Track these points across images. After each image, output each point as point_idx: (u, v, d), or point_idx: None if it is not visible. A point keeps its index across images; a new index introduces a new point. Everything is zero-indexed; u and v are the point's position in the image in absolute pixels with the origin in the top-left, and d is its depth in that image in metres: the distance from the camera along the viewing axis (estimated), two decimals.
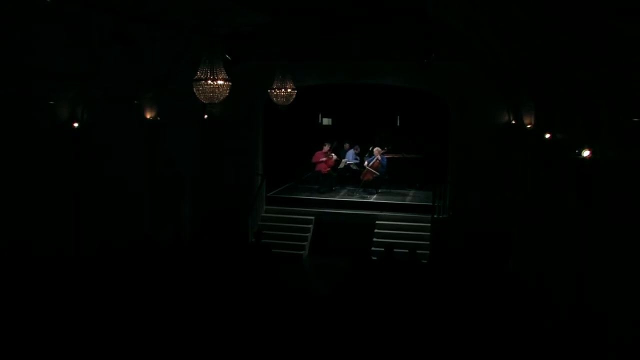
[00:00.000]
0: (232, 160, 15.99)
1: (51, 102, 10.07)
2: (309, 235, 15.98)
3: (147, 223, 12.72)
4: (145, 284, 10.13)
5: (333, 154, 18.21)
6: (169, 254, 11.85)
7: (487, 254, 13.09)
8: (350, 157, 18.73)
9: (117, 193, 11.82)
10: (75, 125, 10.53)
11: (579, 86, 7.77)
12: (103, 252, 11.03)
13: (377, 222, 15.73)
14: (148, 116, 12.85)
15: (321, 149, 18.05)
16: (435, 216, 15.12)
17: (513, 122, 13.19)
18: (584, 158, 7.85)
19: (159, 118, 12.96)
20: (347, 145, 19.08)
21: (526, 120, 11.68)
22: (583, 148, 7.86)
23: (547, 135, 9.94)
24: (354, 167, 18.56)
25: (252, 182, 16.53)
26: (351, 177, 18.66)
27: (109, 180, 11.58)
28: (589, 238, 7.92)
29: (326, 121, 22.38)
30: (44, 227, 9.92)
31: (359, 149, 19.01)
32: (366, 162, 17.96)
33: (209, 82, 7.59)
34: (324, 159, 17.90)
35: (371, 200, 16.95)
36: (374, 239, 15.20)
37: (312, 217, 16.23)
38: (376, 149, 17.91)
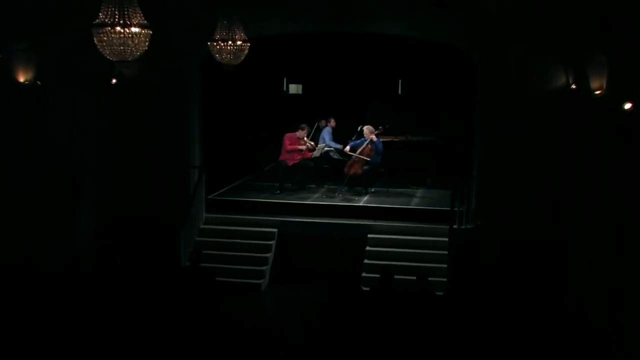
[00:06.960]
0: (155, 146, 15.70)
1: None
2: (269, 255, 16.00)
3: (27, 241, 12.52)
4: (22, 335, 10.09)
5: (311, 142, 18.22)
6: (61, 286, 11.90)
7: (533, 282, 13.13)
8: (326, 139, 18.63)
9: None
10: None
11: None
12: None
13: (369, 235, 15.81)
14: (22, 79, 12.56)
15: (293, 132, 18.02)
16: (455, 227, 15.06)
17: (573, 86, 13.19)
18: None
19: (39, 83, 12.69)
20: (323, 123, 19.06)
21: (594, 84, 11.71)
22: None
23: (628, 106, 10.04)
24: (336, 156, 18.41)
25: (185, 178, 16.35)
26: (331, 170, 18.58)
27: None
28: None
29: (294, 88, 22.72)
30: None
31: (334, 123, 18.94)
32: (348, 147, 17.83)
33: (118, 28, 7.58)
34: (302, 147, 17.92)
35: (360, 204, 17.02)
36: (365, 261, 15.31)
37: (275, 230, 16.31)
38: (367, 128, 17.73)
